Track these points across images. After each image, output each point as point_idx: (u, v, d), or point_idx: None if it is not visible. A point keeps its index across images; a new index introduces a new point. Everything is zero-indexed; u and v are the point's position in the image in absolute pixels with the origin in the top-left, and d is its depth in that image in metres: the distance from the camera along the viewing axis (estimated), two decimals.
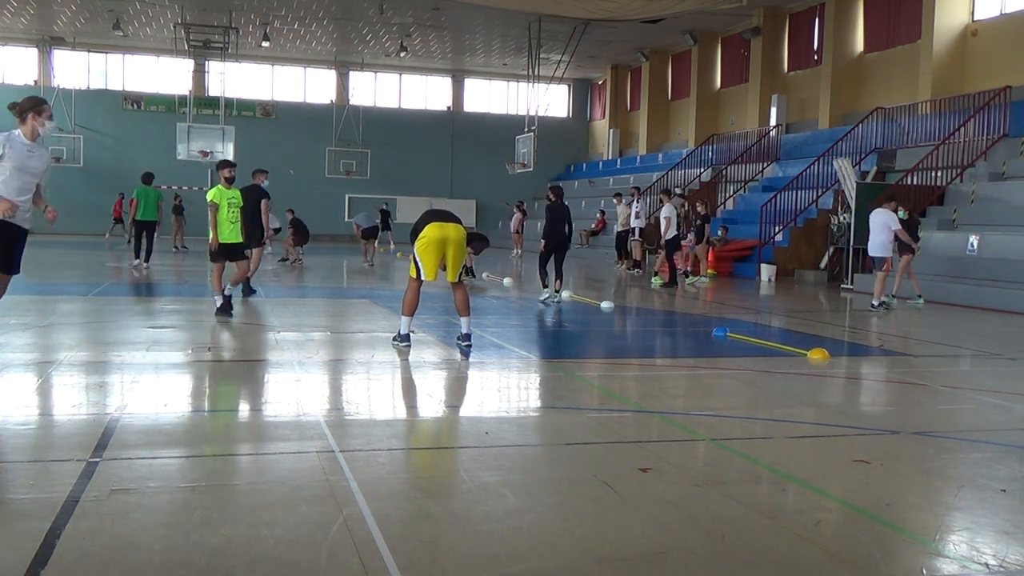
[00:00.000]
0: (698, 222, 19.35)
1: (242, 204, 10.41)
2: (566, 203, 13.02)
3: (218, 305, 9.89)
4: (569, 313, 11.98)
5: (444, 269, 7.93)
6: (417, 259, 7.82)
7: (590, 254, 27.71)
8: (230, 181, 10.31)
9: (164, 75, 36.18)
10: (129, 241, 23.24)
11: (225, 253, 10.13)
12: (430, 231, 7.75)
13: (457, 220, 8.00)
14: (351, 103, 37.64)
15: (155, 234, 17.90)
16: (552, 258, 12.79)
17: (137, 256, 17.55)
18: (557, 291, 12.85)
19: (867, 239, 13.72)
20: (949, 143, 18.58)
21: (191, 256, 22.96)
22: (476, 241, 8.93)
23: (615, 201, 23.26)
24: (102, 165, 34.37)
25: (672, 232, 17.30)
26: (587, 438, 5.08)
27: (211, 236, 10.02)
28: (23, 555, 3.06)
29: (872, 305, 13.00)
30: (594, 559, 3.21)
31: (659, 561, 3.21)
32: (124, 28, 31.58)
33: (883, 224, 13.28)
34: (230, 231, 10.15)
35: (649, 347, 9.90)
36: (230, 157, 29.98)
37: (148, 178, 18.30)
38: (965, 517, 3.84)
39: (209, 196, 10.14)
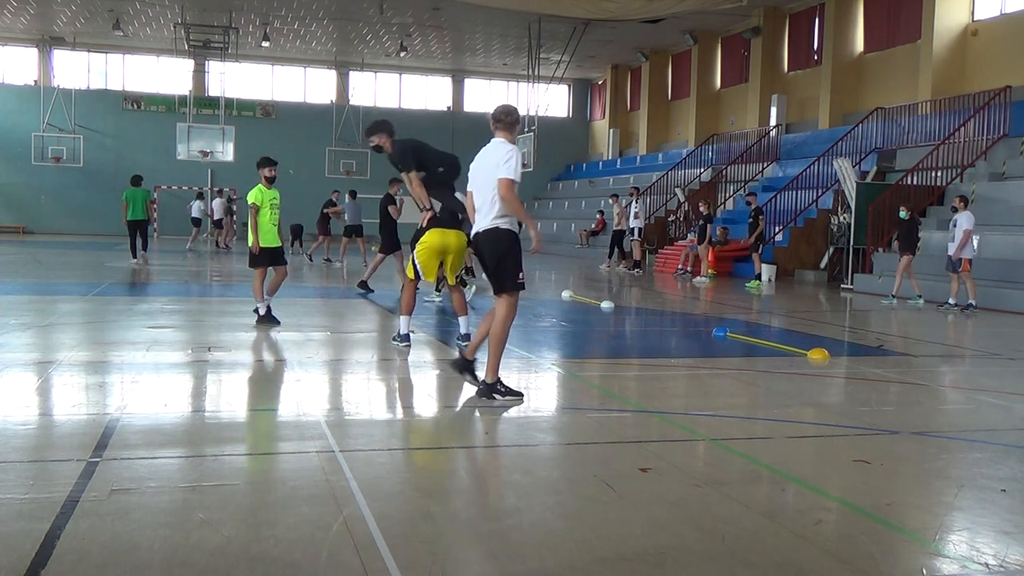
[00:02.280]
0: (700, 222, 19.37)
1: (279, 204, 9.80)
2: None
3: (260, 314, 9.33)
4: (569, 313, 11.98)
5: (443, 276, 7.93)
6: (416, 263, 7.82)
7: (590, 254, 27.70)
8: (271, 181, 9.61)
9: (164, 75, 36.17)
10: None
11: (266, 258, 9.52)
12: (431, 237, 7.74)
13: (458, 226, 7.99)
14: (351, 103, 37.63)
15: (147, 232, 19.22)
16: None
17: (134, 255, 18.42)
18: (438, 289, 12.38)
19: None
20: (949, 143, 18.58)
21: (204, 257, 22.95)
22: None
23: (611, 201, 23.31)
24: (102, 165, 34.36)
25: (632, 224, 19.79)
26: (587, 438, 5.08)
27: (252, 240, 9.39)
28: (23, 555, 3.06)
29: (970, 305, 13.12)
30: (594, 559, 3.21)
31: (659, 561, 3.21)
32: (124, 28, 31.57)
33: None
34: (272, 234, 9.53)
35: (649, 347, 9.89)
36: (230, 157, 30.08)
37: (136, 181, 19.26)
38: (965, 517, 3.84)
39: (249, 198, 9.51)
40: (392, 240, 13.35)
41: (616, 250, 22.24)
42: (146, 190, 19.39)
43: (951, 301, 13.37)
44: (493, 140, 6.04)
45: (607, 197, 24.17)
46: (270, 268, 9.65)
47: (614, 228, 22.49)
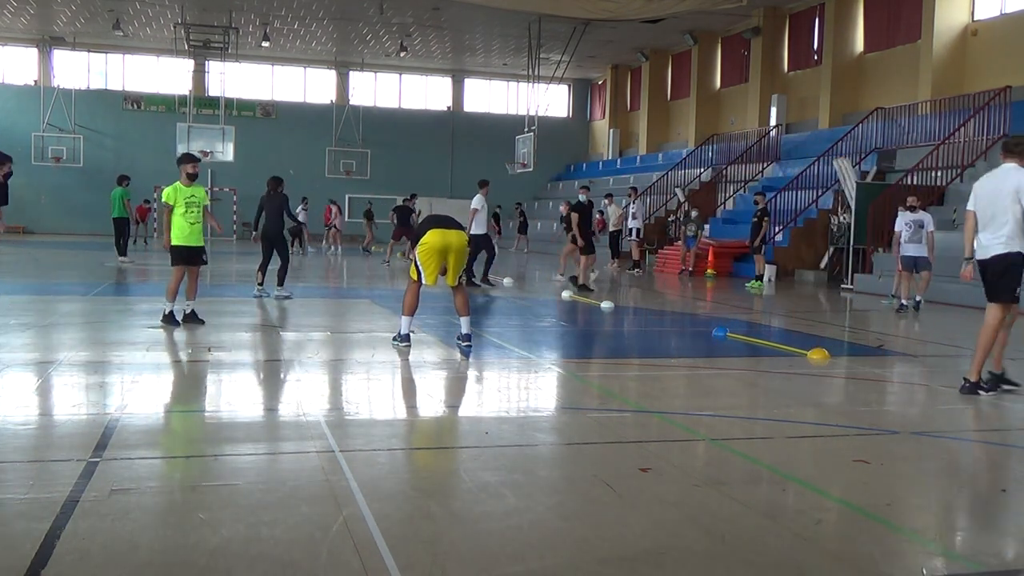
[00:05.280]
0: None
1: (207, 203, 9.51)
2: (285, 193, 12.41)
3: (165, 313, 9.07)
4: (569, 313, 11.98)
5: (444, 274, 7.92)
6: (418, 264, 7.82)
7: None
8: (192, 178, 9.34)
9: (164, 75, 36.18)
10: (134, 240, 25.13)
11: (183, 257, 9.26)
12: (431, 238, 7.73)
13: (459, 226, 7.98)
14: (351, 103, 37.64)
15: (127, 231, 19.58)
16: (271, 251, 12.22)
17: (119, 254, 19.09)
18: (260, 283, 12.21)
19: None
20: (949, 143, 18.58)
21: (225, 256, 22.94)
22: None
23: (606, 202, 23.33)
24: (102, 165, 34.33)
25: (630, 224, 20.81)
26: (587, 438, 5.08)
27: (164, 237, 9.28)
28: (23, 555, 3.06)
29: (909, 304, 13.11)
30: (594, 559, 3.21)
31: (659, 561, 3.21)
32: (124, 28, 31.58)
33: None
34: (188, 233, 9.25)
35: (649, 347, 9.89)
36: (230, 157, 30.08)
37: (119, 180, 19.68)
38: (965, 517, 3.84)
39: (164, 197, 9.30)
40: (588, 242, 15.25)
41: (612, 251, 22.37)
42: (124, 189, 19.46)
43: (904, 301, 13.25)
44: (1005, 166, 6.50)
45: (603, 197, 24.26)
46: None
47: (611, 229, 22.53)
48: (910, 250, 13.30)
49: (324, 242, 29.33)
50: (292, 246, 26.77)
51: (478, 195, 15.27)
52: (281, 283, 12.18)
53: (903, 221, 13.48)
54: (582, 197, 15.63)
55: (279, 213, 12.19)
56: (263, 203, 12.22)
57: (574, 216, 15.20)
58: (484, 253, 14.95)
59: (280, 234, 12.30)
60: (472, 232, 15.14)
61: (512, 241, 32.50)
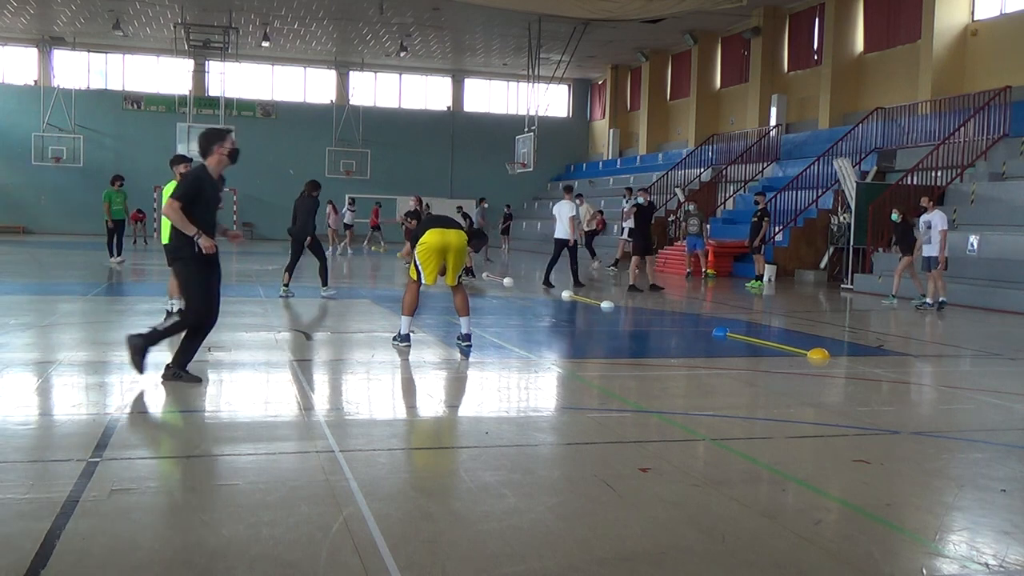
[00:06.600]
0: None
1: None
2: (318, 199, 12.56)
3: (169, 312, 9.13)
4: (569, 313, 11.98)
5: (443, 274, 7.93)
6: (418, 263, 7.82)
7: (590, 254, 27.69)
8: None
9: (164, 75, 36.18)
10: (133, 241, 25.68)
11: None
12: (430, 237, 7.74)
13: (458, 226, 8.00)
14: (351, 103, 37.64)
15: (112, 232, 19.44)
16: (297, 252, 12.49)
17: (118, 254, 19.19)
18: (286, 285, 12.49)
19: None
20: (949, 143, 18.58)
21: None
22: (475, 239, 8.93)
23: (577, 202, 23.29)
24: (102, 165, 34.28)
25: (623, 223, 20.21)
26: (587, 438, 5.08)
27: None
28: (23, 555, 3.06)
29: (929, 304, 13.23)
30: (594, 559, 3.21)
31: (659, 561, 3.21)
32: (124, 28, 31.58)
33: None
34: None
35: (649, 347, 9.90)
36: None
37: (111, 181, 19.63)
38: (965, 517, 3.84)
39: (168, 193, 9.48)
40: (644, 243, 15.56)
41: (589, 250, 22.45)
42: (109, 190, 19.33)
43: (928, 300, 13.31)
44: None
45: (605, 197, 24.20)
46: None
47: (585, 229, 22.50)
48: (924, 250, 13.51)
49: (332, 243, 29.28)
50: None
51: (569, 202, 15.56)
52: (286, 283, 12.46)
53: (919, 222, 13.71)
54: (640, 199, 15.82)
55: (307, 216, 12.41)
56: (296, 206, 12.55)
57: (628, 213, 15.65)
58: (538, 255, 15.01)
59: (302, 237, 12.44)
60: (557, 236, 15.44)
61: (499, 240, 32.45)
